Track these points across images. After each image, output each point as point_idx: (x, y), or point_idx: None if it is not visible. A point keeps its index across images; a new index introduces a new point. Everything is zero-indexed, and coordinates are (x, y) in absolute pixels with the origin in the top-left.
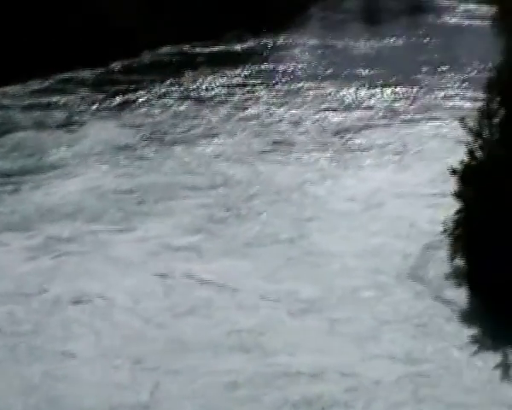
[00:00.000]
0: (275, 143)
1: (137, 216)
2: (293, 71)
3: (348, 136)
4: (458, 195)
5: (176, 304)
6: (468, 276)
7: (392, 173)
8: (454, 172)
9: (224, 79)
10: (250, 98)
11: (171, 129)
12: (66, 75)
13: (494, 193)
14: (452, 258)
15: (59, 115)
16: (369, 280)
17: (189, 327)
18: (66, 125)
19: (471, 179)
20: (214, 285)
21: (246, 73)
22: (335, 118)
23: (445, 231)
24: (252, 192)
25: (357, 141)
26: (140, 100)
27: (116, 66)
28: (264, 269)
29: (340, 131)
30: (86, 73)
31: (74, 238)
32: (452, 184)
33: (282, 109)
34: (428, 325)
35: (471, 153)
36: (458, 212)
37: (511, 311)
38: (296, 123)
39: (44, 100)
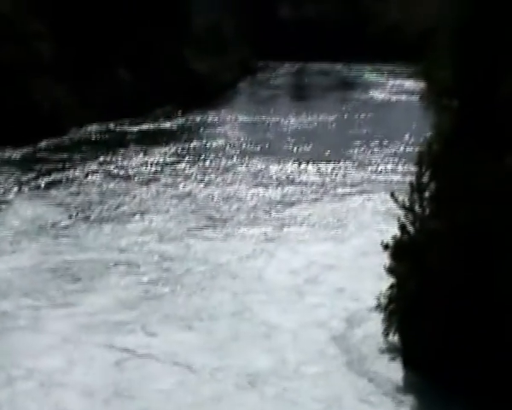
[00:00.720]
0: (207, 219)
1: (74, 292)
2: (223, 148)
3: (281, 211)
4: (390, 270)
5: (121, 380)
6: (401, 352)
7: (327, 246)
8: (386, 247)
9: (154, 156)
10: (181, 175)
11: (102, 207)
12: None
13: (426, 269)
14: (386, 333)
15: None
16: (315, 354)
17: (136, 403)
18: None
19: (403, 255)
20: (161, 360)
21: (176, 150)
22: (267, 193)
23: (378, 305)
24: (189, 267)
25: (290, 216)
26: (69, 178)
27: (44, 144)
28: (212, 343)
29: (272, 207)
30: (13, 152)
31: (11, 314)
32: (386, 257)
33: (213, 186)
34: (375, 394)
35: (403, 228)
36: (391, 287)
37: (443, 387)
38: (228, 199)
39: None
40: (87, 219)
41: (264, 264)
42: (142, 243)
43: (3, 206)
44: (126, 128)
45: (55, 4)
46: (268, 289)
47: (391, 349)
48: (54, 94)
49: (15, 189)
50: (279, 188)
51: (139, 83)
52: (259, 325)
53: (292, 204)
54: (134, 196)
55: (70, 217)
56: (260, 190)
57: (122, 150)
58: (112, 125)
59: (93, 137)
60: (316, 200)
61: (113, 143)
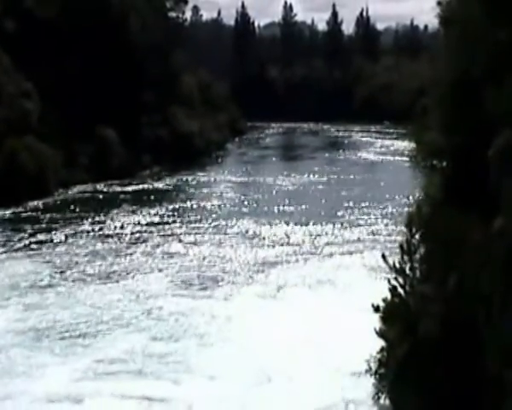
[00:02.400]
0: (201, 278)
1: (78, 346)
2: (213, 209)
3: (273, 270)
4: (381, 334)
5: None
6: None
7: (322, 304)
8: (377, 309)
9: (143, 217)
10: (170, 235)
11: (92, 266)
12: None
13: (416, 333)
14: (377, 398)
15: None
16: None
17: None
18: None
19: (393, 318)
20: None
21: (165, 211)
22: (259, 254)
23: (369, 369)
24: (191, 323)
25: (283, 275)
26: (56, 239)
27: (30, 205)
28: (233, 390)
29: (264, 266)
30: (2, 212)
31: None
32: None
33: (204, 247)
34: None
35: (393, 290)
36: (381, 351)
37: None
38: (220, 259)
39: None
40: (76, 278)
41: (264, 320)
42: (137, 300)
43: None
44: (113, 189)
45: (41, 63)
46: (271, 347)
47: None
48: (39, 154)
49: (4, 248)
50: (271, 248)
51: (126, 143)
52: (271, 374)
53: (284, 264)
54: (124, 256)
55: (60, 276)
56: (252, 250)
57: (110, 212)
58: (98, 187)
59: (79, 198)
60: (307, 259)
61: (100, 205)
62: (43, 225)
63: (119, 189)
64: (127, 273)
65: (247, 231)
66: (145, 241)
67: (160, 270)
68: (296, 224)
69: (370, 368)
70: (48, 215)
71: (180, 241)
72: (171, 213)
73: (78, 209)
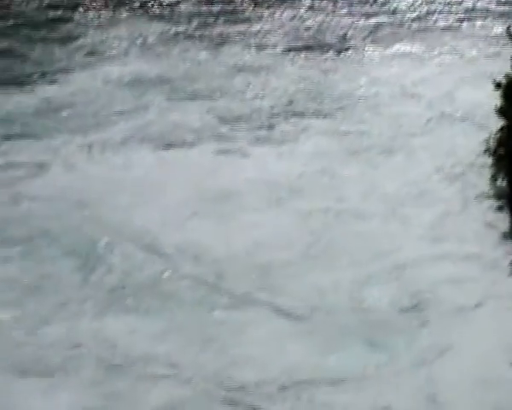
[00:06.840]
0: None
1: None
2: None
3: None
4: (501, 111)
5: None
6: (510, 198)
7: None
8: (498, 85)
9: None
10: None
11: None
12: None
13: None
14: (494, 179)
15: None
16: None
17: None
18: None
19: None
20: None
21: None
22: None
23: (487, 149)
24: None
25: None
26: None
27: None
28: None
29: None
30: None
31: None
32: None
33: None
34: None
35: None
36: (501, 130)
37: None
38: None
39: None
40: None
41: None
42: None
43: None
44: None
45: None
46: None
47: (498, 196)
48: None
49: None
50: None
51: None
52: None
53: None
54: None
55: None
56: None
57: None
58: None
59: None
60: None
61: None
62: None
63: None
64: None
65: None
66: None
67: None
68: None
69: (489, 148)
70: None
71: None
72: None
73: None
